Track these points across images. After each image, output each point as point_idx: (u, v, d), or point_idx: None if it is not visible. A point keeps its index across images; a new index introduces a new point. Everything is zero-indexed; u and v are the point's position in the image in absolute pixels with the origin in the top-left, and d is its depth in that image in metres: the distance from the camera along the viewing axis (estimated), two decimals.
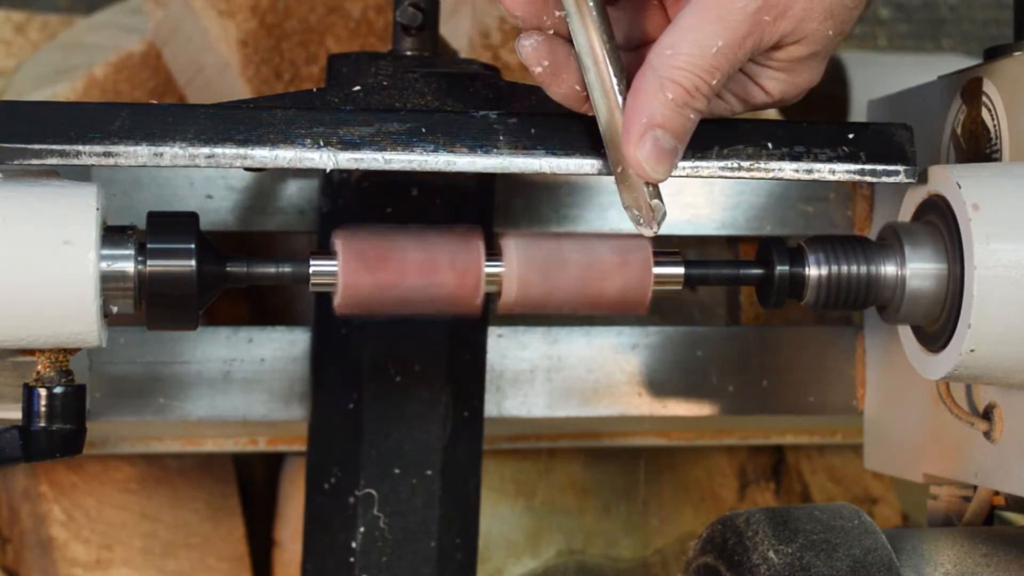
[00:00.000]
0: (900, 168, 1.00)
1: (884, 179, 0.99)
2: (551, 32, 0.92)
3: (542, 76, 0.92)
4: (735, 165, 0.98)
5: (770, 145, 0.98)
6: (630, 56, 0.95)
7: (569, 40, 0.92)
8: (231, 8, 1.36)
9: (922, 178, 1.01)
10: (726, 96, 0.96)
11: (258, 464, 1.46)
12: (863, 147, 0.99)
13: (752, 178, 0.98)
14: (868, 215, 1.20)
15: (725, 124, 0.99)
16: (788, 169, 0.99)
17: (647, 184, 0.93)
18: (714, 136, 0.98)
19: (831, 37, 0.93)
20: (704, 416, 1.23)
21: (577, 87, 0.93)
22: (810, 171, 0.99)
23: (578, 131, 0.97)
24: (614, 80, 0.92)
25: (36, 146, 0.92)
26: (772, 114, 1.48)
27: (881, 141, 1.00)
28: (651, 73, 0.90)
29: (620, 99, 0.92)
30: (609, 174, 0.96)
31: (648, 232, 0.94)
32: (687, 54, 0.89)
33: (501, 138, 0.96)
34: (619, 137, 0.92)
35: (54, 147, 0.92)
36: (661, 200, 0.93)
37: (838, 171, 0.99)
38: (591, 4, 0.90)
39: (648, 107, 0.90)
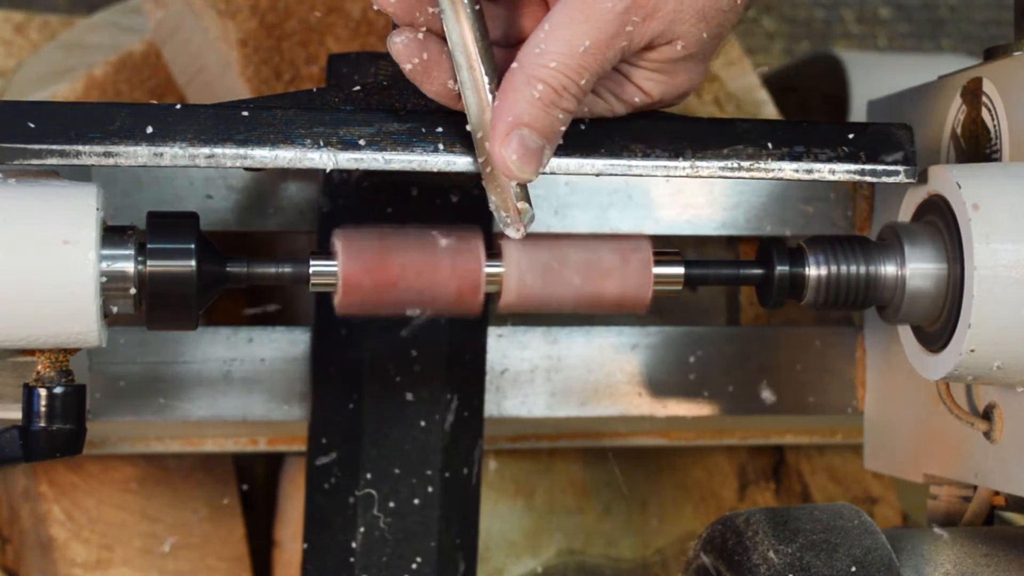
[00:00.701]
0: (900, 168, 1.00)
1: (884, 179, 0.99)
2: (424, 29, 0.91)
3: (413, 73, 0.92)
4: (735, 165, 0.98)
5: (770, 145, 0.98)
6: (507, 53, 0.94)
7: (442, 37, 0.91)
8: (231, 8, 1.36)
9: (922, 178, 1.01)
10: (605, 96, 0.95)
11: (258, 464, 1.46)
12: (863, 147, 0.99)
13: (752, 178, 0.98)
14: (868, 215, 1.20)
15: (724, 124, 0.99)
16: (788, 169, 0.99)
17: (516, 185, 0.93)
18: (714, 136, 0.98)
19: (706, 40, 0.93)
20: (704, 416, 1.23)
21: (450, 84, 0.92)
22: (810, 171, 0.99)
23: (576, 132, 0.97)
24: (485, 78, 0.91)
25: (36, 146, 0.92)
26: (772, 114, 1.48)
27: (881, 141, 1.00)
28: (520, 71, 0.89)
29: (491, 97, 0.91)
30: (610, 174, 0.96)
31: (515, 234, 0.94)
32: (555, 52, 0.89)
33: None
34: (488, 135, 0.91)
35: (54, 147, 0.92)
36: (529, 202, 0.93)
37: (838, 171, 0.99)
38: (465, 1, 0.90)
39: (515, 106, 0.89)
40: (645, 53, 0.93)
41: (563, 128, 0.91)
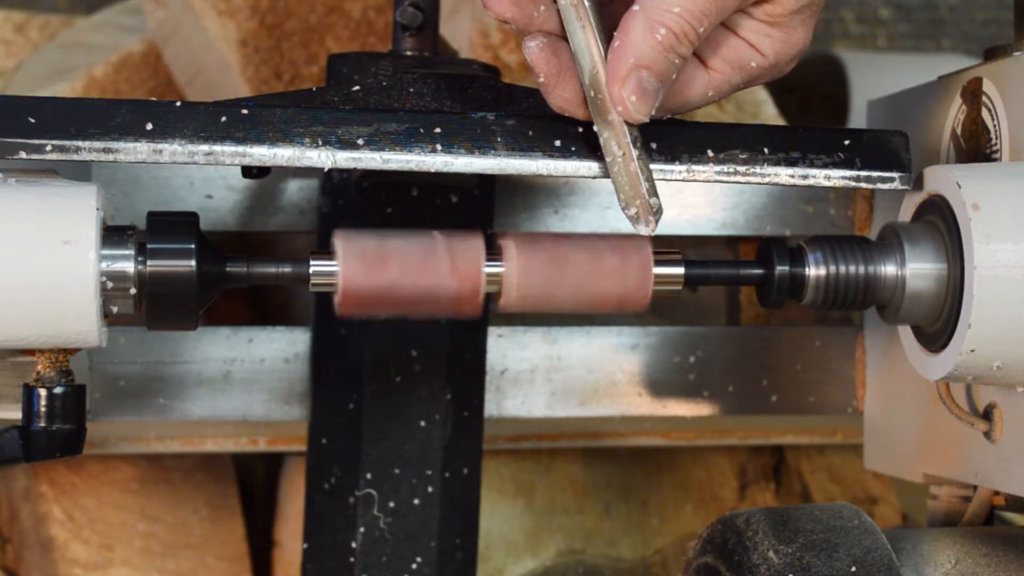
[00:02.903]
0: (895, 175, 1.00)
1: (879, 186, 1.00)
2: (546, 34, 0.92)
3: (547, 80, 0.93)
4: (731, 170, 0.98)
5: (766, 150, 0.99)
6: (609, 7, 0.95)
7: (566, 39, 0.92)
8: (231, 8, 1.36)
9: (921, 179, 1.01)
10: (718, 65, 0.96)
11: (258, 464, 1.46)
12: (859, 153, 1.00)
13: (748, 183, 0.98)
14: (868, 215, 1.20)
15: (721, 128, 1.00)
16: (784, 174, 0.99)
17: (646, 180, 0.93)
18: (710, 140, 0.98)
19: None
20: (704, 416, 1.23)
21: (580, 90, 0.93)
22: (805, 177, 0.99)
23: (576, 133, 0.97)
24: (598, 37, 0.92)
25: (36, 141, 0.92)
26: (772, 114, 1.48)
27: (877, 148, 1.00)
28: (641, 15, 0.91)
29: (603, 53, 0.92)
30: (606, 175, 0.96)
31: (645, 230, 0.94)
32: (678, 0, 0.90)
33: (499, 139, 0.97)
34: (603, 87, 0.92)
35: (54, 142, 0.92)
36: (657, 196, 0.94)
37: (833, 177, 0.99)
38: None
39: (636, 48, 0.91)
40: (763, 5, 0.94)
41: (675, 73, 0.92)
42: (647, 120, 0.93)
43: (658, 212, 0.94)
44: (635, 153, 0.93)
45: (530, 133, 0.96)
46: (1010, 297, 0.94)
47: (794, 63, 0.98)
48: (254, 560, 1.39)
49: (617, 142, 0.93)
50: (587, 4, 0.91)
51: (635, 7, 0.91)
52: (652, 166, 0.97)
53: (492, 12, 0.92)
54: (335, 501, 1.14)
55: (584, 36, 0.92)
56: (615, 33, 0.92)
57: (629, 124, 0.93)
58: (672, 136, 0.98)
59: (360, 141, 0.95)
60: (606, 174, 0.96)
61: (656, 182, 0.94)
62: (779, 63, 0.96)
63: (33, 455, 0.96)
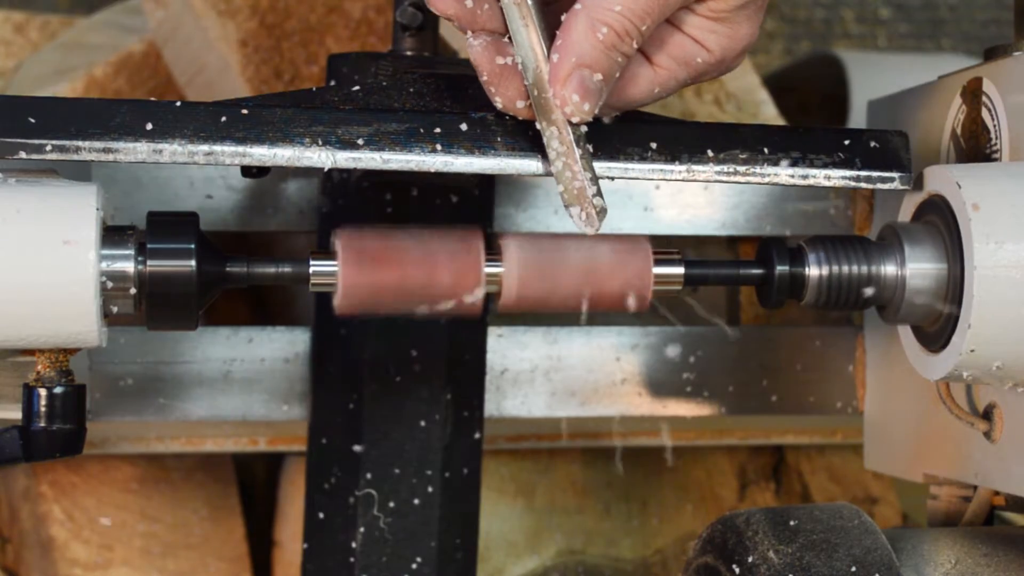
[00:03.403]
0: (895, 175, 1.00)
1: (879, 186, 1.00)
2: (490, 31, 0.92)
3: (490, 79, 0.93)
4: (731, 170, 0.98)
5: (766, 150, 0.99)
6: (552, 6, 0.95)
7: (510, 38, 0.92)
8: (231, 8, 1.36)
9: (919, 181, 1.01)
10: (663, 61, 0.95)
11: (258, 464, 1.46)
12: (859, 153, 1.00)
13: (747, 183, 0.98)
14: (868, 215, 1.20)
15: (721, 128, 1.00)
16: (784, 175, 0.99)
17: (590, 180, 0.93)
18: (710, 140, 0.98)
19: None
20: (704, 416, 1.23)
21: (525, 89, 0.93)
22: (805, 177, 0.99)
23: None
24: (541, 35, 0.92)
25: (36, 141, 0.92)
26: (772, 114, 1.48)
27: (877, 148, 1.00)
28: (584, 13, 0.91)
29: (546, 52, 0.92)
30: (606, 176, 0.96)
31: (590, 230, 0.94)
32: None
33: (499, 139, 0.97)
34: (546, 86, 0.92)
35: (54, 142, 0.92)
36: (602, 196, 0.94)
37: (833, 177, 0.99)
38: None
39: (578, 47, 0.90)
40: (706, 1, 0.93)
41: (619, 71, 0.92)
42: (590, 119, 0.92)
43: (602, 212, 0.94)
44: (578, 152, 0.93)
45: (530, 133, 0.96)
46: (1010, 297, 0.94)
47: (742, 58, 0.97)
48: (254, 560, 1.39)
49: (560, 141, 0.93)
50: (530, 3, 0.91)
51: (577, 6, 0.91)
52: (653, 165, 0.97)
53: (435, 9, 0.92)
54: (335, 501, 1.14)
55: (527, 35, 0.91)
56: (557, 32, 0.91)
57: (572, 123, 0.93)
58: (672, 136, 0.98)
59: (360, 141, 0.95)
60: (606, 175, 0.96)
61: (601, 182, 0.94)
62: (725, 58, 0.96)
63: (33, 455, 0.96)
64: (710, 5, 0.94)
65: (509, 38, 0.92)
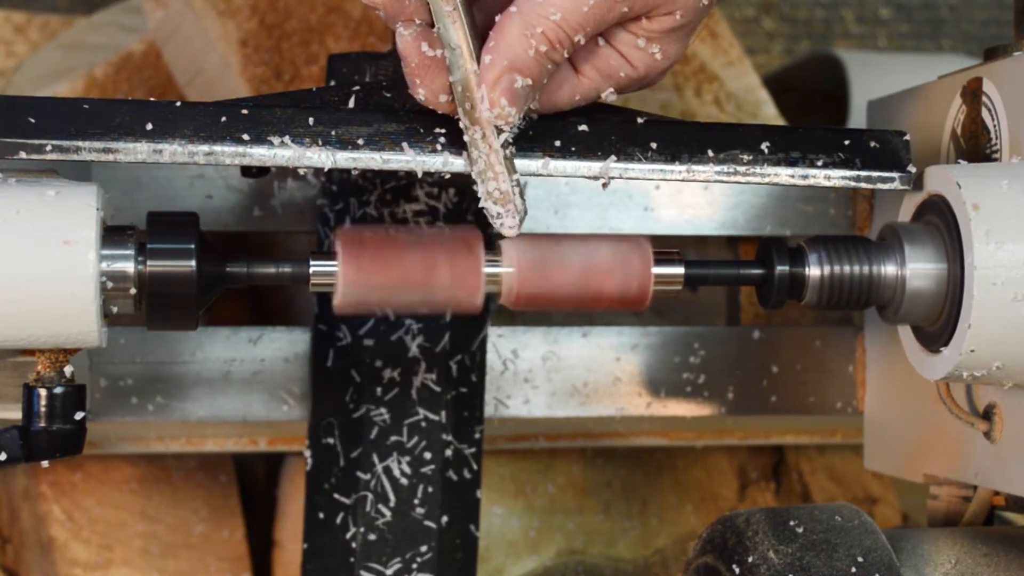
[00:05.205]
0: (895, 175, 1.00)
1: (879, 186, 1.00)
2: (419, 22, 0.92)
3: (417, 70, 0.92)
4: (731, 170, 0.98)
5: (766, 150, 0.99)
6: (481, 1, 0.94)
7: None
8: (231, 8, 1.36)
9: (919, 181, 1.01)
10: (588, 72, 0.95)
11: (258, 464, 1.46)
12: (859, 154, 1.00)
13: (748, 183, 0.98)
14: (868, 215, 1.20)
15: (721, 128, 1.00)
16: (784, 174, 0.99)
17: (513, 181, 0.93)
18: (710, 140, 0.98)
19: (703, 8, 0.93)
20: (704, 416, 1.23)
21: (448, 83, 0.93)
22: (805, 177, 0.99)
23: (575, 134, 0.97)
24: (468, 33, 0.91)
25: (36, 141, 0.92)
26: (772, 114, 1.48)
27: (877, 148, 1.00)
28: (518, 17, 0.90)
29: (473, 50, 0.91)
30: (606, 176, 0.96)
31: (509, 232, 0.94)
32: (558, 6, 0.90)
33: None
34: (473, 86, 0.91)
35: (54, 142, 0.92)
36: (523, 198, 0.94)
37: (833, 177, 0.99)
38: None
39: (511, 51, 0.90)
40: (641, 20, 0.93)
41: (547, 77, 0.92)
42: (516, 122, 0.92)
43: (523, 213, 0.94)
44: (502, 153, 0.93)
45: (530, 133, 0.96)
46: (1010, 297, 0.94)
47: (665, 75, 0.97)
48: (254, 560, 1.39)
49: (484, 141, 0.93)
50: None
51: (513, 8, 0.91)
52: (653, 165, 0.97)
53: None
54: (335, 501, 1.14)
55: (455, 32, 0.91)
56: (491, 32, 0.91)
57: (498, 125, 0.92)
58: (672, 136, 0.98)
59: (360, 141, 0.95)
60: (606, 175, 0.96)
61: (522, 184, 0.94)
62: (649, 75, 0.96)
63: (33, 455, 0.96)
64: (644, 25, 0.93)
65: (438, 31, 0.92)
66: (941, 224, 0.98)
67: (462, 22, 0.91)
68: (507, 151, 0.93)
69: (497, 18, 0.91)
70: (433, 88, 0.93)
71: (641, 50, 0.94)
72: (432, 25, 0.92)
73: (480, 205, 0.94)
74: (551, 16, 0.90)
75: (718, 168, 0.98)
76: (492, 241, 0.99)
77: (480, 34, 0.92)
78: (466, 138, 0.93)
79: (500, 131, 0.93)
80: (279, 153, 0.95)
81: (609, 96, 0.96)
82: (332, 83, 1.14)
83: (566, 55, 0.91)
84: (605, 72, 0.95)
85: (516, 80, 0.91)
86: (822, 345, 1.24)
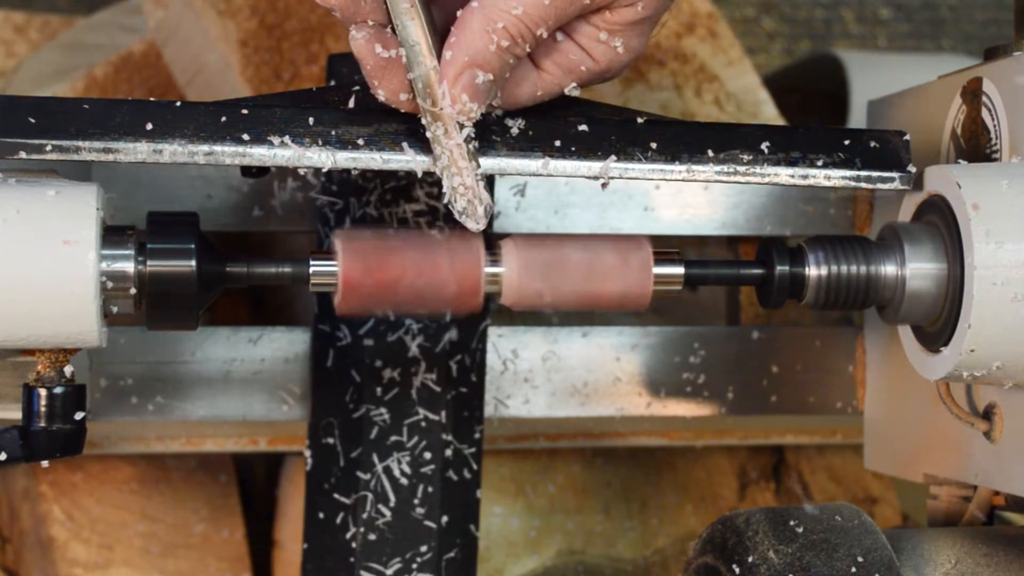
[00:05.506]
0: (895, 175, 1.00)
1: (879, 186, 1.00)
2: (373, 23, 0.92)
3: (373, 71, 0.92)
4: (731, 169, 0.98)
5: (766, 150, 0.99)
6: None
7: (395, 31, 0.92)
8: (231, 8, 1.36)
9: (919, 181, 1.01)
10: (549, 67, 0.95)
11: (258, 464, 1.46)
12: (859, 153, 1.00)
13: (748, 183, 0.99)
14: (868, 215, 1.20)
15: (721, 128, 1.00)
16: (784, 174, 0.99)
17: (478, 176, 0.93)
18: (710, 140, 0.98)
19: (665, 0, 0.93)
20: (704, 416, 1.23)
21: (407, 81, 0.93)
22: (805, 177, 0.99)
23: (575, 134, 0.97)
24: (427, 30, 0.91)
25: (36, 141, 0.92)
26: (772, 114, 1.48)
27: (877, 148, 1.00)
28: (480, 12, 0.90)
29: (432, 47, 0.91)
30: (607, 175, 0.96)
31: (475, 226, 0.94)
32: (520, 1, 0.90)
33: (498, 139, 0.97)
34: (433, 83, 0.91)
35: (54, 142, 0.92)
36: (489, 192, 0.94)
37: (833, 177, 0.99)
38: None
39: (472, 46, 0.90)
40: (602, 13, 0.93)
41: (510, 71, 0.92)
42: (478, 117, 0.92)
43: (487, 209, 0.94)
44: (465, 149, 0.93)
45: (530, 133, 0.96)
46: (1010, 297, 0.94)
47: (627, 68, 0.97)
48: (254, 560, 1.39)
49: (447, 137, 0.93)
50: None
51: (474, 3, 0.90)
52: (653, 165, 0.97)
53: (319, 0, 0.92)
54: (335, 501, 1.14)
55: (413, 29, 0.91)
56: (452, 28, 0.91)
57: (459, 121, 0.92)
58: (672, 136, 0.98)
59: (360, 141, 0.96)
60: (606, 175, 0.96)
61: (481, 179, 0.94)
62: (611, 68, 0.96)
63: (33, 455, 0.96)
64: (606, 18, 0.93)
65: (393, 30, 0.92)
66: (941, 224, 0.98)
67: (420, 19, 0.91)
68: (470, 146, 0.93)
69: (459, 13, 0.91)
70: (392, 87, 0.93)
71: (603, 43, 0.94)
72: (386, 25, 0.92)
73: (445, 201, 0.94)
74: (512, 11, 0.90)
75: (718, 168, 0.98)
76: (492, 241, 0.99)
77: (440, 31, 0.92)
78: (429, 135, 0.93)
79: (462, 126, 0.93)
80: (279, 153, 0.95)
81: (572, 91, 0.96)
82: (332, 83, 1.14)
83: (528, 50, 0.91)
84: (566, 66, 0.95)
85: (478, 75, 0.91)
86: (822, 345, 1.24)
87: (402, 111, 0.94)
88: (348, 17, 0.92)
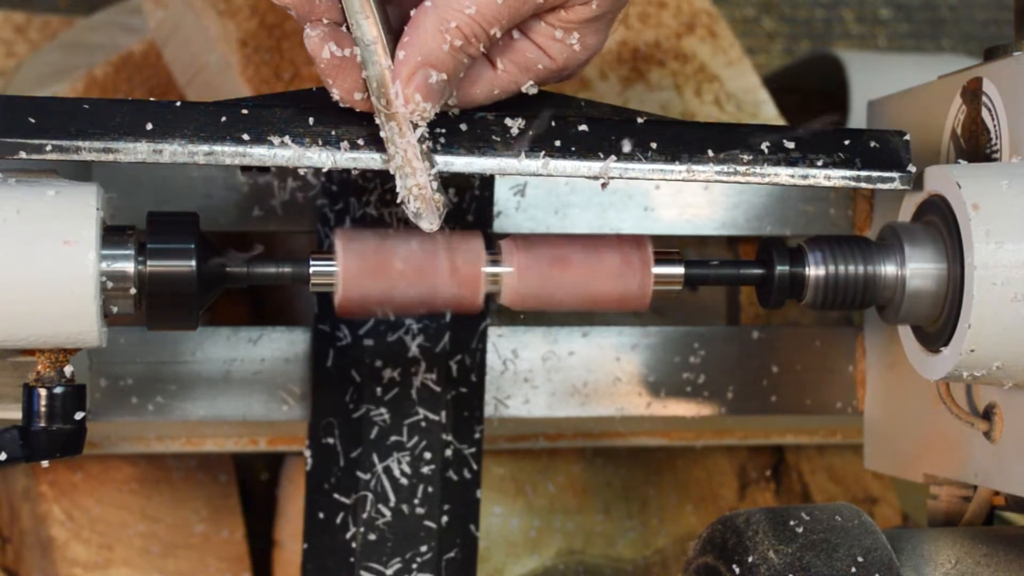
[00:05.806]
0: (895, 175, 1.00)
1: (879, 186, 1.00)
2: (328, 21, 0.92)
3: (326, 69, 0.92)
4: (731, 170, 0.98)
5: (766, 150, 0.99)
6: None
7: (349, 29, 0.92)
8: (231, 8, 1.36)
9: (919, 181, 1.01)
10: (505, 65, 0.95)
11: (258, 464, 1.46)
12: (859, 153, 1.00)
13: (748, 183, 0.99)
14: (868, 215, 1.20)
15: (721, 128, 1.00)
16: (784, 174, 0.99)
17: (432, 175, 0.93)
18: (710, 140, 0.98)
19: None
20: (704, 416, 1.23)
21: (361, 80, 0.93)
22: (805, 177, 0.99)
23: (574, 134, 0.97)
24: (382, 29, 0.91)
25: (36, 141, 0.92)
26: (772, 114, 1.48)
27: (877, 148, 1.00)
28: (433, 12, 0.90)
29: (387, 46, 0.91)
30: (608, 175, 0.96)
31: (429, 227, 0.94)
32: (473, 0, 0.89)
33: (498, 140, 0.97)
34: (387, 82, 0.91)
35: (54, 142, 0.92)
36: (444, 192, 0.93)
37: (833, 177, 0.99)
38: None
39: (425, 46, 0.90)
40: (558, 11, 0.93)
41: (464, 71, 0.92)
42: (432, 117, 0.92)
43: (443, 208, 0.94)
44: (419, 149, 0.93)
45: (530, 133, 0.96)
46: (1010, 297, 0.94)
47: (586, 66, 0.97)
48: (254, 560, 1.39)
49: (401, 137, 0.93)
50: None
51: (427, 3, 0.90)
52: (653, 165, 0.97)
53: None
54: (335, 501, 1.14)
55: (367, 27, 0.91)
56: (405, 27, 0.91)
57: (413, 120, 0.92)
58: (672, 136, 0.98)
59: (360, 141, 0.95)
60: (606, 175, 0.96)
61: (439, 179, 0.94)
62: (568, 66, 0.96)
63: (33, 455, 0.96)
64: (561, 15, 0.93)
65: (348, 28, 0.92)
66: (941, 224, 0.98)
67: (375, 17, 0.91)
68: (423, 145, 0.93)
69: (412, 12, 0.91)
70: (346, 87, 0.93)
71: (559, 41, 0.94)
72: (342, 24, 0.92)
73: (398, 201, 0.94)
74: (466, 10, 0.90)
75: (718, 168, 0.98)
76: (492, 241, 0.99)
77: (395, 30, 0.92)
78: (383, 134, 0.93)
79: (416, 126, 0.92)
80: (279, 153, 0.95)
81: (530, 89, 0.96)
82: None
83: (482, 49, 0.91)
84: (523, 65, 0.95)
85: (431, 75, 0.90)
86: (822, 345, 1.24)
87: (357, 110, 0.94)
88: (303, 16, 0.92)
